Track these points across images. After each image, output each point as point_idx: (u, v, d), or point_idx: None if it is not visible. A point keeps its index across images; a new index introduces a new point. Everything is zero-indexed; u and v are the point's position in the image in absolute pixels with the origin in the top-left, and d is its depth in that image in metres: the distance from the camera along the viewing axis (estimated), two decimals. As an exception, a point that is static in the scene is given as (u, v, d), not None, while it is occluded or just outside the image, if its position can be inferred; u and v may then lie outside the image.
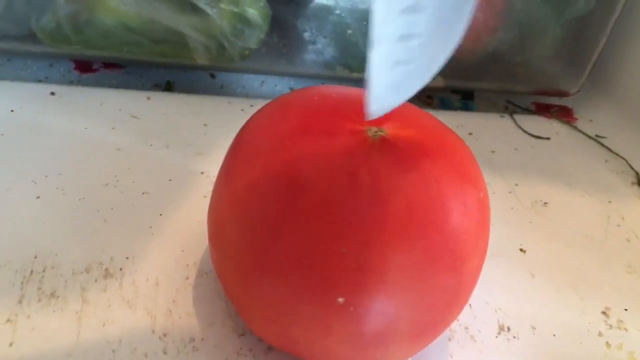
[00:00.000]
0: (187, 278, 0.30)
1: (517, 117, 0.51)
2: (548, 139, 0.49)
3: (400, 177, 0.23)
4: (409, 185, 0.23)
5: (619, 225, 0.41)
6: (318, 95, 0.27)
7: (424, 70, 0.21)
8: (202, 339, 0.28)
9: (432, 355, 0.29)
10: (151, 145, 0.39)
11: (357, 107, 0.24)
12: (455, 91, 0.55)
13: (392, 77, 0.21)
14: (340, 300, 0.22)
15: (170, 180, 0.36)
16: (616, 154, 0.48)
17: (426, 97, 0.53)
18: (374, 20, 0.19)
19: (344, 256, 0.22)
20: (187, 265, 0.31)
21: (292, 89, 0.50)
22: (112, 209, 0.33)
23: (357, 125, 0.24)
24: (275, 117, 0.27)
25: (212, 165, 0.38)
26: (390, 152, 0.24)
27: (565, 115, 0.52)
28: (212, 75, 0.50)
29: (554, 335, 0.32)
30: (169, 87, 0.47)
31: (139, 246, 0.31)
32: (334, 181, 0.23)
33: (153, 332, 0.27)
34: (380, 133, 0.24)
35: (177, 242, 0.32)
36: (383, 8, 0.19)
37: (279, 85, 0.50)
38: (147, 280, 0.30)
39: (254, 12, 0.42)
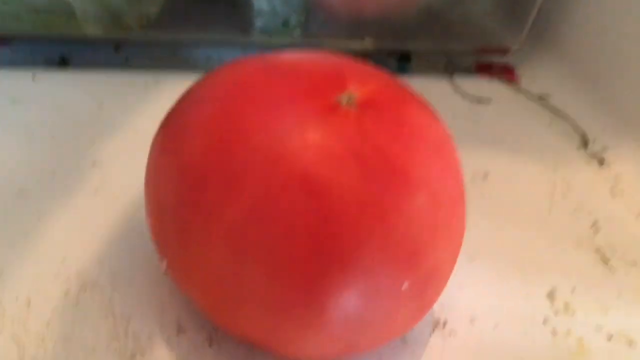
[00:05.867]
0: (67, 294, 0.26)
1: (457, 78, 0.47)
2: (489, 100, 0.45)
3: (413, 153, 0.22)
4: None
5: (565, 195, 0.37)
6: (264, 63, 0.24)
7: None
8: (82, 369, 0.23)
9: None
10: (33, 134, 0.33)
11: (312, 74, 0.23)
12: (391, 53, 0.50)
13: None
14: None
15: (53, 175, 0.31)
16: (561, 115, 0.44)
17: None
18: None
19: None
20: (68, 277, 0.26)
21: (208, 58, 0.45)
22: (-21, 214, 0.28)
23: (322, 93, 0.22)
24: (226, 88, 0.23)
25: (107, 154, 0.33)
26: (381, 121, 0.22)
27: (507, 74, 0.48)
28: (117, 48, 0.44)
29: (496, 326, 0.28)
30: (63, 64, 0.42)
31: (9, 259, 0.27)
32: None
33: (20, 365, 0.23)
34: (353, 96, 0.22)
35: (58, 249, 0.27)
36: None
37: (193, 54, 0.45)
38: (17, 299, 0.25)
39: (150, -26, 0.36)
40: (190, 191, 0.21)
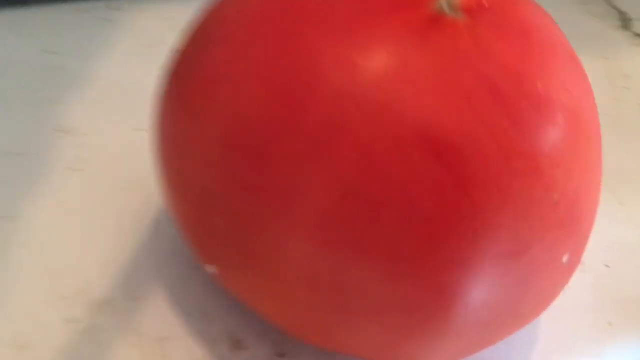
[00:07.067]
0: (73, 321, 0.19)
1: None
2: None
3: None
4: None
5: (626, 88, 0.32)
6: None
7: None
8: None
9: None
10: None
11: None
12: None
13: None
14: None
15: (11, 151, 0.23)
16: (591, -7, 0.38)
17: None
18: None
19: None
20: (64, 297, 0.19)
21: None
22: None
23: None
24: (274, 7, 0.16)
25: (74, 116, 0.25)
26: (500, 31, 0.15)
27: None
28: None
29: (608, 266, 0.24)
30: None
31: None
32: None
33: None
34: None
35: (47, 261, 0.20)
36: None
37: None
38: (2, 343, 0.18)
39: None
40: (248, 170, 0.15)
